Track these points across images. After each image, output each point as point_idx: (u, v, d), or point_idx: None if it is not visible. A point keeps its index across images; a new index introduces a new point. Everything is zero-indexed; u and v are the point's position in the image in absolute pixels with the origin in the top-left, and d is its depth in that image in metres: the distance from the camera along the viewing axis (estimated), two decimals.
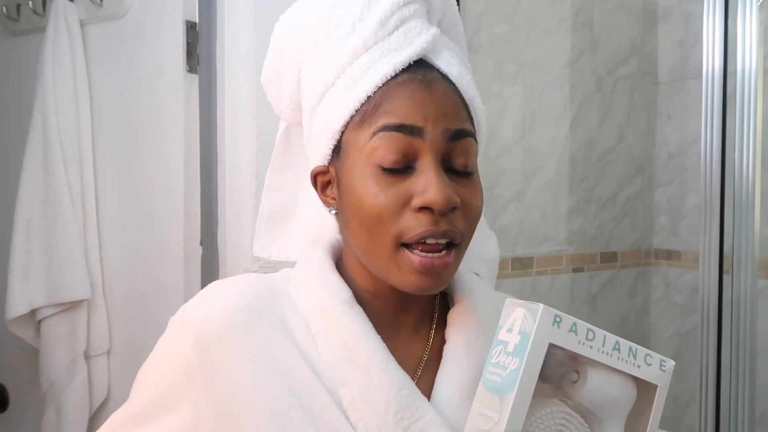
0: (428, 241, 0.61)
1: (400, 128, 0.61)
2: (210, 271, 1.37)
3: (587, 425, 0.57)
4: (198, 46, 1.35)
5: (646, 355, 0.58)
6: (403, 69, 0.63)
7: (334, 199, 0.69)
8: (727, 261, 1.25)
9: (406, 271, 0.62)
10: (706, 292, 1.26)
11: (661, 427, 0.71)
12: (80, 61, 1.45)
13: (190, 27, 1.36)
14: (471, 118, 0.66)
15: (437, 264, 0.62)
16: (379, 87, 0.63)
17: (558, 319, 0.54)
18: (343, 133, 0.65)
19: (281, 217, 0.83)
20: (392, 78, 0.63)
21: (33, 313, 1.42)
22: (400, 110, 0.62)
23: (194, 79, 1.36)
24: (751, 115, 1.21)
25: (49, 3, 1.45)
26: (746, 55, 1.21)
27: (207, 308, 0.68)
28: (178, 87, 1.36)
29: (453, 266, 0.64)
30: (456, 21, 0.74)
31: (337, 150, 0.66)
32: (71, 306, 1.42)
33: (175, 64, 1.36)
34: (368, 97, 0.63)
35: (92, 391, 1.46)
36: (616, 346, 0.56)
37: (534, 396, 0.53)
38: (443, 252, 0.62)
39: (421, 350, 0.71)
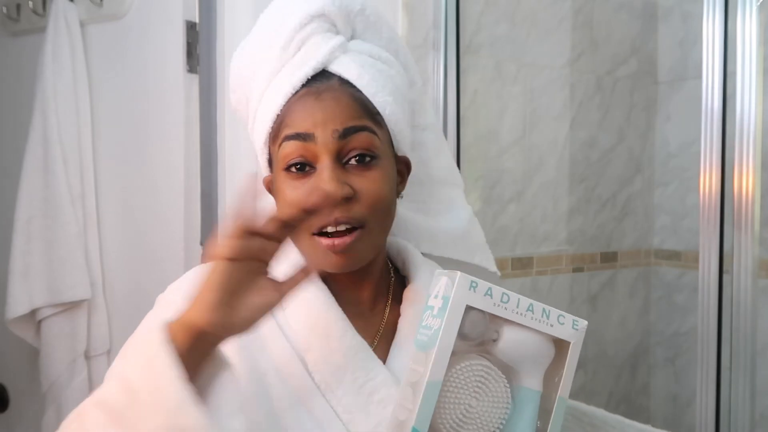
0: (329, 230, 0.71)
1: (295, 136, 0.72)
2: None
3: (505, 377, 0.64)
4: (198, 46, 1.35)
5: (559, 315, 0.64)
6: (303, 84, 0.74)
7: None
8: (727, 261, 1.25)
9: (320, 254, 0.73)
10: (706, 292, 1.26)
11: (661, 427, 0.73)
12: (80, 61, 1.45)
13: (190, 27, 1.36)
14: (375, 113, 0.75)
15: (338, 244, 0.71)
16: (283, 105, 0.74)
17: (474, 284, 0.62)
18: (269, 147, 0.78)
19: None
20: (293, 95, 0.74)
21: (33, 313, 1.42)
22: (295, 122, 0.73)
23: (194, 79, 1.36)
24: (751, 115, 1.21)
25: (49, 3, 1.45)
26: (746, 55, 1.21)
27: (189, 286, 0.73)
28: (178, 87, 1.36)
29: (361, 245, 0.73)
30: (374, 22, 0.81)
31: (270, 162, 0.79)
32: (71, 306, 1.42)
33: (175, 64, 1.36)
34: (276, 115, 0.75)
35: (92, 391, 1.45)
36: (530, 308, 0.63)
37: (456, 352, 0.61)
38: (345, 235, 0.71)
39: (378, 323, 0.81)
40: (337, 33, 0.78)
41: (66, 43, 1.41)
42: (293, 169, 0.73)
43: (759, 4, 1.19)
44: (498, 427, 0.63)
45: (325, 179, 0.71)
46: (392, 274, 0.86)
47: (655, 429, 1.07)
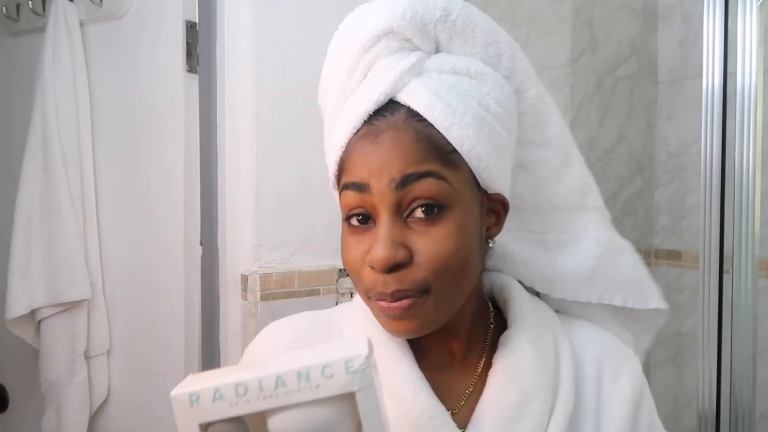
0: (383, 300, 0.62)
1: (351, 186, 0.63)
2: (210, 271, 1.37)
3: None
4: (198, 46, 1.35)
5: (324, 368, 0.49)
6: (365, 120, 0.63)
7: None
8: (727, 261, 1.25)
9: (382, 318, 0.64)
10: (706, 292, 1.26)
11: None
12: (80, 61, 1.45)
13: (190, 27, 1.36)
14: (444, 152, 0.62)
15: (395, 309, 0.61)
16: (345, 146, 0.64)
17: (194, 397, 0.49)
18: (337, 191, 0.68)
19: None
20: (354, 134, 0.63)
21: (33, 313, 1.42)
22: (352, 168, 0.63)
23: (194, 79, 1.36)
24: (751, 115, 1.21)
25: (49, 3, 1.45)
26: (746, 55, 1.21)
27: (260, 346, 0.74)
28: (178, 87, 1.36)
29: (423, 311, 0.62)
30: (462, 28, 0.66)
31: None
32: (71, 306, 1.42)
33: (175, 64, 1.36)
34: (339, 158, 0.65)
35: (92, 391, 1.46)
36: (279, 383, 0.49)
37: None
38: (402, 300, 0.61)
39: (470, 378, 0.70)
40: (414, 49, 0.65)
41: (66, 42, 1.41)
42: (354, 221, 0.63)
43: (759, 4, 1.19)
44: None
45: (377, 240, 0.60)
46: (491, 320, 0.73)
47: None
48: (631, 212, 2.16)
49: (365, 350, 0.49)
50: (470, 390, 0.69)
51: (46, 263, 1.40)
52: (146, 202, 1.43)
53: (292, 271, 1.35)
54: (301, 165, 1.38)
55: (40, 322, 1.43)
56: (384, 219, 0.61)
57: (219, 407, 0.49)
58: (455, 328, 0.69)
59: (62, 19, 1.41)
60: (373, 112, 0.62)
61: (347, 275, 1.43)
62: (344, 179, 0.64)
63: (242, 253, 1.33)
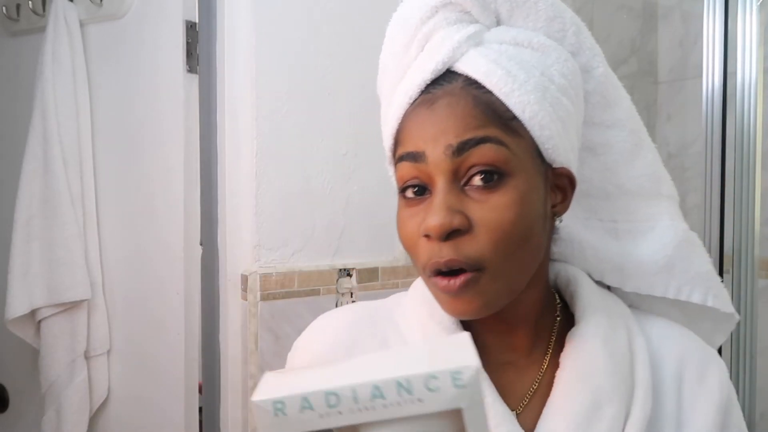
0: (442, 269, 0.58)
1: (407, 157, 0.60)
2: (210, 271, 1.37)
3: None
4: (198, 46, 1.35)
5: (429, 378, 0.41)
6: (422, 91, 0.61)
7: None
8: (727, 261, 1.25)
9: (440, 296, 0.60)
10: None
11: None
12: (80, 61, 1.44)
13: (190, 27, 1.35)
14: (503, 118, 0.59)
15: (453, 285, 0.57)
16: (401, 117, 0.62)
17: (279, 406, 0.42)
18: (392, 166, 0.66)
19: None
20: (410, 104, 0.61)
21: (33, 313, 1.41)
22: (407, 138, 0.61)
23: (194, 79, 1.36)
24: (751, 115, 1.21)
25: (49, 3, 1.45)
26: (746, 55, 1.21)
27: (310, 340, 0.71)
28: (178, 87, 1.36)
29: (483, 288, 0.58)
30: (525, 1, 0.64)
31: None
32: (71, 306, 1.42)
33: (175, 64, 1.36)
34: (395, 130, 0.63)
35: (92, 391, 1.46)
36: (377, 394, 0.42)
37: None
38: (459, 275, 0.58)
39: (534, 375, 0.66)
40: (473, 21, 0.63)
41: (66, 42, 1.41)
42: (410, 192, 0.61)
43: (759, 4, 1.19)
44: None
45: (433, 207, 0.57)
46: (558, 312, 0.68)
47: None
48: None
49: (475, 360, 0.42)
50: (534, 389, 0.65)
51: (46, 263, 1.40)
52: (146, 202, 1.43)
53: (292, 271, 1.35)
54: (301, 165, 1.38)
55: (40, 322, 1.43)
56: (440, 186, 0.58)
57: (307, 418, 0.42)
58: (519, 317, 0.65)
59: (62, 19, 1.41)
60: (431, 83, 0.60)
61: (347, 275, 1.43)
62: (399, 151, 0.62)
63: (242, 253, 1.33)
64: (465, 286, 0.57)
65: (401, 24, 0.64)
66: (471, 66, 0.60)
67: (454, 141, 0.57)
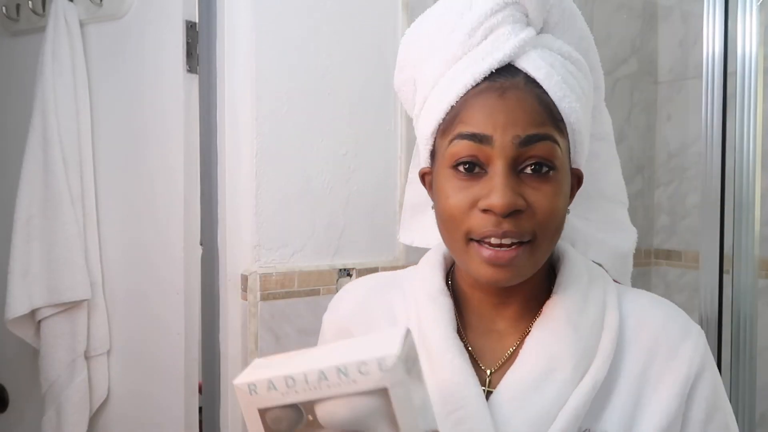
0: (492, 241, 0.66)
1: (471, 137, 0.66)
2: (210, 271, 1.37)
3: None
4: (198, 46, 1.35)
5: (360, 365, 0.54)
6: (485, 77, 0.67)
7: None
8: (727, 261, 1.25)
9: (478, 263, 0.67)
10: (706, 292, 1.26)
11: None
12: (80, 61, 1.45)
13: (190, 27, 1.35)
14: (558, 120, 0.68)
15: (503, 256, 0.65)
16: (461, 97, 0.68)
17: (252, 387, 0.57)
18: (435, 139, 0.72)
19: (420, 208, 0.90)
20: (473, 87, 0.67)
21: (33, 313, 1.42)
22: (472, 120, 0.67)
23: (194, 79, 1.36)
24: (751, 115, 1.21)
25: (49, 3, 1.45)
26: (746, 55, 1.21)
27: (337, 301, 0.85)
28: (178, 87, 1.36)
29: (524, 260, 0.67)
30: (568, 18, 0.74)
31: (433, 154, 0.73)
32: (71, 306, 1.42)
33: (175, 64, 1.36)
34: (451, 107, 0.69)
35: (92, 391, 1.46)
36: (322, 377, 0.55)
37: None
38: (512, 247, 0.66)
39: (513, 341, 0.74)
40: (528, 24, 0.70)
41: (66, 43, 1.41)
42: (461, 168, 0.67)
43: (759, 4, 1.19)
44: None
45: (498, 187, 0.64)
46: (551, 286, 0.76)
47: None
48: (631, 212, 2.16)
49: (397, 349, 0.54)
50: (510, 353, 0.73)
51: (46, 263, 1.40)
52: (146, 202, 1.43)
53: (292, 271, 1.35)
54: (301, 165, 1.38)
55: (40, 322, 1.43)
56: (501, 169, 0.65)
57: (273, 396, 0.56)
58: (515, 292, 0.73)
59: (62, 19, 1.41)
60: (493, 72, 0.67)
61: (348, 275, 1.43)
62: (459, 129, 0.67)
63: (242, 253, 1.33)
64: (513, 258, 0.66)
65: (465, 10, 0.70)
66: (532, 65, 0.68)
67: (522, 133, 0.65)
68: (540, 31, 0.72)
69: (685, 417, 0.70)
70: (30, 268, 1.40)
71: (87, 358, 1.45)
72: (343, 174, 1.45)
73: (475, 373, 0.70)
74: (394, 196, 1.52)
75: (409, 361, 0.56)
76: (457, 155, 0.67)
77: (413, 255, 1.26)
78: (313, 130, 1.40)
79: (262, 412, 0.57)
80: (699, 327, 0.74)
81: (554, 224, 0.67)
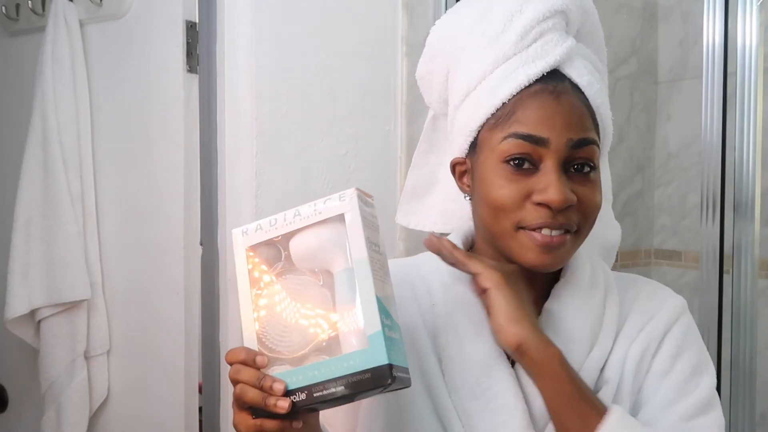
0: (543, 231, 0.71)
1: (527, 137, 0.71)
2: (210, 271, 1.37)
3: (311, 277, 0.68)
4: (198, 46, 1.35)
5: (327, 200, 0.68)
6: (536, 79, 0.72)
7: (468, 186, 0.80)
8: (727, 261, 1.25)
9: (527, 248, 0.72)
10: (706, 292, 1.26)
11: None
12: (80, 61, 1.44)
13: (190, 27, 1.35)
14: (596, 125, 0.74)
15: (555, 241, 0.71)
16: (514, 95, 0.72)
17: (245, 230, 0.70)
18: (479, 132, 0.76)
19: (421, 192, 0.95)
20: (526, 87, 0.72)
21: (33, 313, 1.42)
22: (529, 120, 0.71)
23: (194, 79, 1.36)
24: (751, 115, 1.21)
25: (49, 3, 1.45)
26: (746, 55, 1.21)
27: None
28: (178, 87, 1.36)
29: (569, 247, 0.73)
30: (594, 29, 0.81)
31: (473, 145, 0.77)
32: (71, 306, 1.42)
33: (175, 64, 1.36)
34: (503, 104, 0.73)
35: (92, 391, 1.46)
36: (297, 213, 0.69)
37: (259, 283, 0.69)
38: (560, 234, 0.72)
39: None
40: (568, 33, 0.77)
41: (65, 42, 1.41)
42: (512, 163, 0.72)
43: (759, 4, 1.19)
44: (334, 319, 0.66)
45: (555, 184, 0.70)
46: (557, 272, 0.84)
47: None
48: (631, 212, 2.16)
49: (354, 188, 0.68)
50: None
51: (46, 263, 1.40)
52: (146, 202, 1.43)
53: None
54: (301, 165, 1.38)
55: (40, 322, 1.43)
56: (554, 167, 0.71)
57: (259, 235, 0.70)
58: (536, 276, 0.77)
59: (62, 19, 1.41)
60: (544, 75, 0.72)
61: None
62: (516, 128, 0.71)
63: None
64: (562, 244, 0.72)
65: (516, 13, 0.74)
66: (576, 72, 0.74)
67: (575, 137, 0.71)
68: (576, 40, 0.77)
69: (648, 369, 0.77)
70: (30, 268, 1.40)
71: (87, 357, 1.45)
72: (343, 174, 1.45)
73: (503, 352, 0.74)
74: (394, 196, 1.52)
75: (364, 202, 0.68)
76: (510, 152, 0.71)
77: (413, 255, 1.26)
78: (313, 130, 1.40)
79: (249, 252, 0.70)
80: (682, 299, 0.82)
81: (594, 216, 0.74)
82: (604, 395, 0.74)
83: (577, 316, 0.76)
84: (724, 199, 1.24)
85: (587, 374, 0.74)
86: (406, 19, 1.50)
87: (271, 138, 1.34)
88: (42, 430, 1.45)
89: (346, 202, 0.67)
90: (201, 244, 1.38)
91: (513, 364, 0.75)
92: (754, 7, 1.20)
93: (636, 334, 0.78)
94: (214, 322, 1.37)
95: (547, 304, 0.78)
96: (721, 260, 1.25)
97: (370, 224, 0.69)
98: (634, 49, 2.14)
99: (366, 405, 0.79)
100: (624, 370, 0.76)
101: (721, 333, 1.26)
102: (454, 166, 0.81)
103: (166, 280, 1.40)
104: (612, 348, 0.77)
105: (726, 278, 1.25)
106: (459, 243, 0.84)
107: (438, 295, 0.81)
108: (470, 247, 0.85)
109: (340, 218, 0.67)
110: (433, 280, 0.82)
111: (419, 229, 0.96)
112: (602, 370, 0.76)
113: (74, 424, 1.42)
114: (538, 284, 0.80)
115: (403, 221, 0.98)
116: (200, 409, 1.40)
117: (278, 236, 0.69)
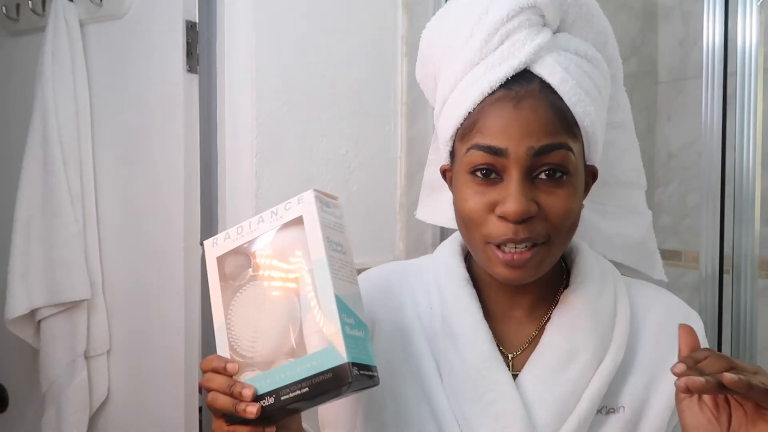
0: (507, 247, 0.69)
1: (486, 149, 0.68)
2: None
3: (279, 281, 0.69)
4: (198, 46, 1.35)
5: (286, 204, 0.70)
6: (501, 84, 0.69)
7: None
8: (727, 261, 1.25)
9: (495, 263, 0.71)
10: (706, 292, 1.26)
11: None
12: (80, 61, 1.44)
13: (190, 27, 1.35)
14: (570, 124, 0.69)
15: (518, 259, 0.69)
16: (478, 104, 0.70)
17: (215, 241, 0.73)
18: (454, 141, 0.74)
19: (436, 188, 0.94)
20: (489, 95, 0.69)
21: (33, 313, 1.41)
22: (489, 130, 0.69)
23: (194, 79, 1.36)
24: (751, 115, 1.21)
25: (49, 3, 1.45)
26: (746, 55, 1.21)
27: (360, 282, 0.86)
28: (178, 87, 1.36)
29: (540, 260, 0.70)
30: (586, 14, 0.75)
31: (452, 154, 0.76)
32: (71, 306, 1.42)
33: (175, 64, 1.36)
34: (468, 113, 0.71)
35: (92, 391, 1.46)
36: (261, 220, 0.71)
37: (229, 291, 0.71)
38: (524, 249, 0.69)
39: (532, 330, 0.78)
40: (545, 25, 0.72)
41: (66, 42, 1.41)
42: (478, 174, 0.70)
43: (759, 4, 1.19)
44: (299, 321, 0.66)
45: (512, 195, 0.67)
46: (564, 278, 0.81)
47: None
48: None
49: (312, 192, 0.69)
50: (531, 339, 0.78)
51: (46, 263, 1.40)
52: (146, 202, 1.43)
53: None
54: (301, 165, 1.38)
55: (40, 322, 1.43)
56: (516, 177, 0.68)
57: (227, 243, 0.72)
58: (530, 283, 0.74)
59: (62, 19, 1.41)
60: (509, 78, 0.69)
61: None
62: (477, 140, 0.69)
63: None
64: (529, 260, 0.69)
65: (482, 15, 0.71)
66: (547, 70, 0.69)
67: (536, 144, 0.67)
68: (557, 30, 0.73)
69: None
70: (30, 268, 1.40)
71: (87, 358, 1.45)
72: (343, 174, 1.45)
73: (502, 357, 0.74)
74: (394, 196, 1.52)
75: (325, 203, 0.69)
76: (474, 163, 0.70)
77: (413, 255, 1.26)
78: (313, 130, 1.40)
79: (220, 261, 0.72)
80: (696, 313, 0.80)
81: (568, 225, 0.70)
82: (613, 421, 0.72)
83: (583, 327, 0.74)
84: (724, 199, 1.24)
85: (596, 387, 0.72)
86: (406, 19, 1.50)
87: (271, 138, 1.34)
88: (42, 430, 1.45)
89: (303, 205, 0.68)
90: (201, 244, 1.38)
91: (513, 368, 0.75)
92: (754, 7, 1.20)
93: (660, 366, 0.75)
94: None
95: (555, 312, 0.77)
96: (721, 260, 1.25)
97: (331, 224, 0.69)
98: (634, 49, 2.14)
99: (365, 407, 0.78)
100: (649, 402, 0.74)
101: (721, 333, 1.26)
102: (443, 173, 0.81)
103: (166, 280, 1.40)
104: (629, 372, 0.75)
105: (726, 278, 1.25)
106: (458, 246, 0.84)
107: (436, 299, 0.80)
108: (468, 252, 0.84)
109: (300, 221, 0.68)
110: (431, 284, 0.81)
111: (436, 224, 0.96)
112: (614, 390, 0.74)
113: (74, 424, 1.42)
114: (545, 291, 0.79)
115: (423, 216, 0.98)
116: (200, 409, 1.40)
117: (245, 243, 0.71)
